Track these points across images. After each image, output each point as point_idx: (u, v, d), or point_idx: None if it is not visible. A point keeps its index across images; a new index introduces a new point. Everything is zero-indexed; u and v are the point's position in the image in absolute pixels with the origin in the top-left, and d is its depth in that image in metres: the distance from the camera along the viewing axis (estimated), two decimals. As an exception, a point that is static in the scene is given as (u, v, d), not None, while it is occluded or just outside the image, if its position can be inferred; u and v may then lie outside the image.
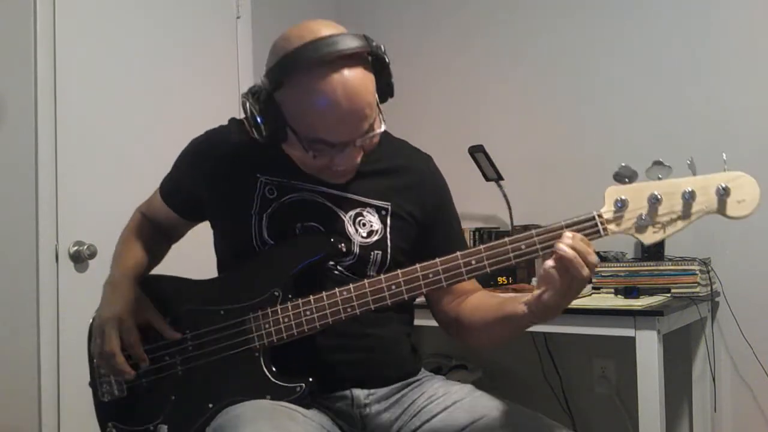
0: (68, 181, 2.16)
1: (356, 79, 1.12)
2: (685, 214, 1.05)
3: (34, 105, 2.09)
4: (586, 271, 1.05)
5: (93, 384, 1.37)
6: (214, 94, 2.67)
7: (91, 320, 1.37)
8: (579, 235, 1.07)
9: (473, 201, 2.63)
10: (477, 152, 2.44)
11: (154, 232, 1.49)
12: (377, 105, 1.18)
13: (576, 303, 1.97)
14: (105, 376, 1.34)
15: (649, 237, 1.06)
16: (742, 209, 1.03)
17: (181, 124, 2.43)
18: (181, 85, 2.55)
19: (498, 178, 2.46)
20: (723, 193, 1.03)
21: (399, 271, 1.16)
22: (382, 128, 1.20)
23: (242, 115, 1.21)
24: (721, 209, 1.04)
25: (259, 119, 1.16)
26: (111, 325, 1.28)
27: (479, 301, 1.34)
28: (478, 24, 2.80)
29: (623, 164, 1.08)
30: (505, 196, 2.46)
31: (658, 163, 1.06)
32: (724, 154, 1.05)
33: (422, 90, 2.87)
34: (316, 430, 1.16)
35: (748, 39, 2.27)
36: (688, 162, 1.05)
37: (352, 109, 1.12)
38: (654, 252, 2.24)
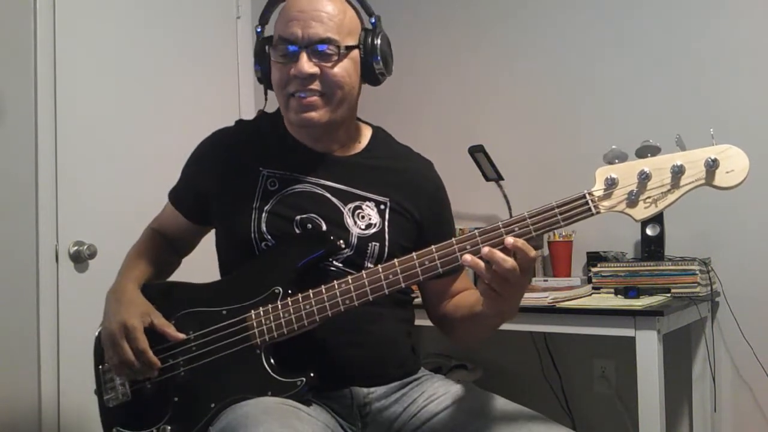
0: (68, 181, 2.16)
1: None
2: (675, 187, 1.05)
3: (34, 105, 2.09)
4: (498, 278, 1.07)
5: (99, 391, 1.37)
6: (214, 94, 2.67)
7: (97, 332, 1.37)
8: (491, 249, 1.07)
9: (473, 201, 2.63)
10: (477, 152, 2.44)
11: (162, 245, 1.50)
12: (350, 47, 1.28)
13: (576, 303, 1.98)
14: (110, 382, 1.34)
15: (641, 212, 1.06)
16: (731, 180, 1.02)
17: (181, 123, 2.45)
18: (181, 85, 2.55)
19: (498, 178, 2.47)
20: (712, 165, 1.02)
21: (395, 260, 1.17)
22: (340, 58, 1.26)
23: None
24: (710, 180, 1.03)
25: (256, 66, 1.35)
26: (120, 335, 1.28)
27: (460, 300, 1.38)
28: (478, 24, 2.80)
29: (613, 147, 1.09)
30: (505, 196, 2.46)
31: (647, 143, 1.08)
32: (711, 130, 1.05)
33: (422, 90, 2.87)
34: (321, 429, 1.16)
35: (749, 37, 2.27)
36: (676, 138, 1.06)
37: (307, 6, 1.26)
38: (654, 252, 2.24)
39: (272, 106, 1.44)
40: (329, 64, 1.26)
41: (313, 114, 1.27)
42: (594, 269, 2.23)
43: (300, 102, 1.27)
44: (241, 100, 2.79)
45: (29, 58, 2.09)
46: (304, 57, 1.24)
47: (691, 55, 2.36)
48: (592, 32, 2.56)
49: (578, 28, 2.58)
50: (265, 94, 1.40)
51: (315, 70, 1.24)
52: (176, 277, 1.51)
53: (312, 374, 1.20)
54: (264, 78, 1.35)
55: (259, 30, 1.35)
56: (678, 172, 1.04)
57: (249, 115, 2.62)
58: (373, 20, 1.34)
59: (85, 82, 2.24)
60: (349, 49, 1.28)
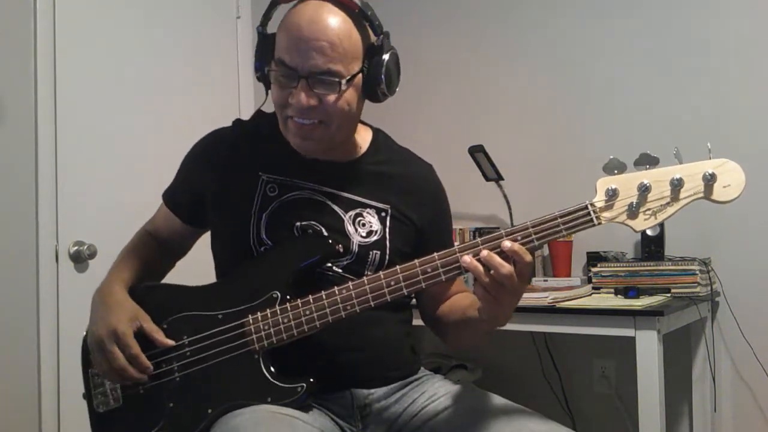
0: (68, 181, 2.16)
1: (328, 13, 1.18)
2: (674, 200, 1.07)
3: (34, 105, 2.09)
4: (494, 282, 1.08)
5: (87, 396, 1.33)
6: (214, 94, 2.67)
7: (84, 334, 1.33)
8: (489, 253, 1.08)
9: (473, 201, 2.63)
10: (477, 152, 2.44)
11: (153, 247, 1.47)
12: (353, 76, 1.20)
13: (576, 303, 1.98)
14: (100, 386, 1.31)
15: (641, 224, 1.09)
16: (728, 194, 1.05)
17: (181, 123, 2.45)
18: (181, 85, 2.55)
19: (498, 178, 2.47)
20: (710, 179, 1.05)
21: (398, 267, 1.16)
22: (342, 91, 1.19)
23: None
24: (708, 194, 1.06)
25: (257, 64, 1.27)
26: (110, 341, 1.25)
27: (453, 303, 1.37)
28: (478, 24, 2.80)
29: (612, 156, 1.11)
30: (505, 196, 2.46)
31: (645, 154, 1.09)
32: (708, 144, 1.07)
33: (422, 90, 2.87)
34: None
35: (747, 41, 2.27)
36: (674, 152, 1.08)
37: (309, 35, 1.17)
38: (654, 252, 2.24)
39: (271, 103, 1.43)
40: (330, 97, 1.19)
41: (311, 142, 1.25)
42: (594, 269, 2.23)
43: (298, 127, 1.23)
44: (241, 100, 2.79)
45: (29, 58, 2.09)
46: (303, 88, 1.18)
47: (694, 56, 2.36)
48: (593, 32, 2.56)
49: (578, 28, 2.58)
50: (266, 91, 1.35)
51: (314, 102, 1.19)
52: (170, 279, 1.48)
53: (312, 380, 1.18)
54: (264, 78, 1.30)
55: (260, 29, 1.29)
56: (677, 185, 1.06)
57: (249, 115, 2.62)
58: (381, 38, 1.24)
59: (85, 82, 2.24)
60: (352, 78, 1.21)
